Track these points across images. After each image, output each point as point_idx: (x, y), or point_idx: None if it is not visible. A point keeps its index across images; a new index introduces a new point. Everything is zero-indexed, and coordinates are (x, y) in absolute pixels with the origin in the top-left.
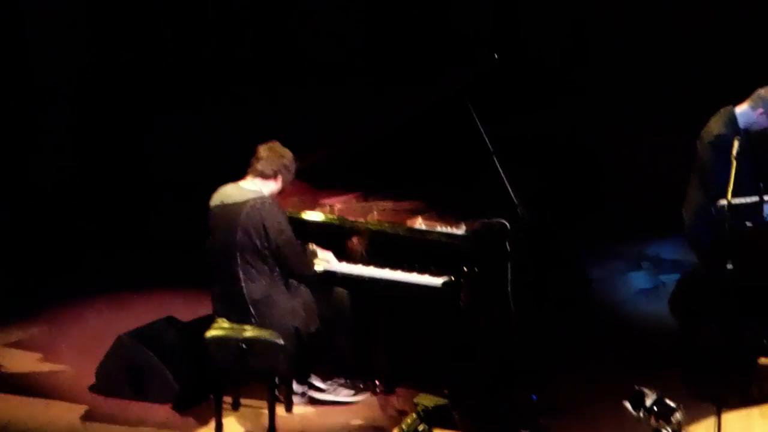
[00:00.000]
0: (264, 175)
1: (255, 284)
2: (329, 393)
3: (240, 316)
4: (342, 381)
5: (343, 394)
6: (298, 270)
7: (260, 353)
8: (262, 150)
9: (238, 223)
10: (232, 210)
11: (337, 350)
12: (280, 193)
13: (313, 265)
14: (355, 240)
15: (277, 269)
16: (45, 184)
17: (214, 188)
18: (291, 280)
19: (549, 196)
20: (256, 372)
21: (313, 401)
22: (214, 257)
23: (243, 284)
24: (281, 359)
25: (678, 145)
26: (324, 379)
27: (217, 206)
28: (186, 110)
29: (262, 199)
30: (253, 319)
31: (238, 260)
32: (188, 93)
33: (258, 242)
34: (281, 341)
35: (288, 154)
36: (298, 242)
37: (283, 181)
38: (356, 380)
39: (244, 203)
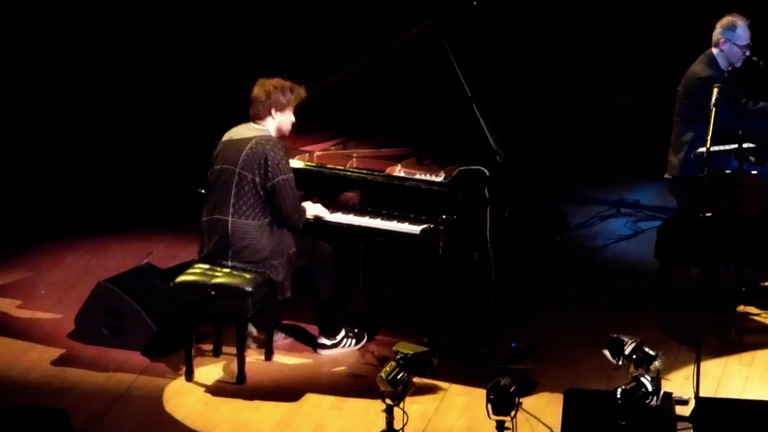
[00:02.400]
0: (259, 117)
1: (241, 221)
2: (336, 347)
3: (220, 250)
4: (344, 333)
5: (349, 345)
6: (291, 218)
7: (227, 299)
8: (252, 93)
9: (241, 156)
10: (238, 144)
11: (322, 302)
12: (294, 127)
13: (304, 217)
14: (334, 188)
15: (269, 217)
16: (20, 123)
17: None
18: (281, 237)
19: (526, 138)
20: (222, 318)
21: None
22: (211, 187)
23: (230, 217)
24: (248, 305)
25: (658, 86)
26: (329, 338)
27: (225, 141)
28: (165, 47)
29: (268, 137)
30: (229, 255)
31: (233, 193)
32: (168, 30)
33: (257, 178)
34: (249, 288)
35: (272, 83)
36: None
37: (284, 110)
38: (352, 327)
39: (250, 138)
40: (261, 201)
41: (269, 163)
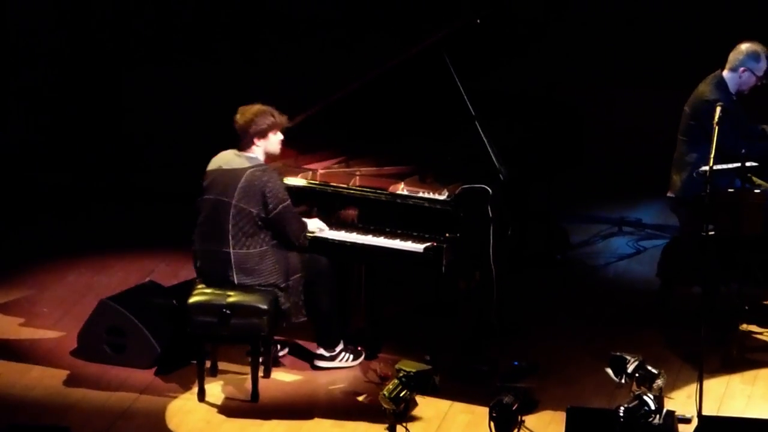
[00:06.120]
0: (246, 147)
1: (243, 251)
2: (334, 360)
3: (221, 278)
4: (342, 346)
5: (346, 360)
6: (297, 240)
7: (243, 317)
8: (236, 123)
9: (236, 190)
10: (231, 175)
11: (321, 314)
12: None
13: (306, 235)
14: (337, 206)
15: (269, 240)
16: (21, 139)
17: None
18: (286, 260)
19: (528, 155)
20: (237, 337)
21: (315, 368)
22: (205, 216)
23: (231, 249)
24: (263, 323)
25: (661, 104)
26: (327, 349)
27: (215, 170)
28: (168, 64)
29: (262, 168)
30: (233, 282)
31: (230, 225)
32: (170, 47)
33: (255, 210)
34: (265, 306)
35: (251, 111)
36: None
37: (266, 136)
38: (351, 345)
39: (244, 170)
40: (260, 230)
41: (268, 195)
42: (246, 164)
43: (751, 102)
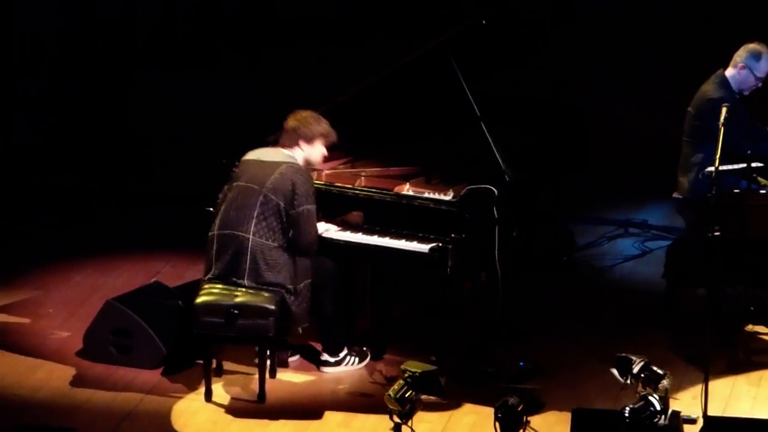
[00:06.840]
0: (287, 146)
1: (261, 241)
2: (339, 365)
3: (233, 266)
4: (347, 350)
5: (352, 363)
6: (307, 243)
7: (249, 318)
8: (285, 123)
9: (269, 179)
10: (265, 165)
11: (325, 318)
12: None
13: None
14: (343, 207)
15: (286, 242)
16: (27, 142)
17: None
18: (298, 264)
19: (534, 157)
20: (245, 337)
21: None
22: (231, 201)
23: (251, 236)
24: (271, 324)
25: (666, 105)
26: (332, 354)
27: (251, 160)
28: (172, 67)
29: (297, 166)
30: (245, 273)
31: (256, 213)
32: (174, 50)
33: (282, 203)
34: (272, 306)
35: (303, 114)
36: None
37: (312, 142)
38: (356, 346)
39: (280, 163)
40: (282, 226)
41: (297, 191)
42: (284, 159)
43: (755, 103)
